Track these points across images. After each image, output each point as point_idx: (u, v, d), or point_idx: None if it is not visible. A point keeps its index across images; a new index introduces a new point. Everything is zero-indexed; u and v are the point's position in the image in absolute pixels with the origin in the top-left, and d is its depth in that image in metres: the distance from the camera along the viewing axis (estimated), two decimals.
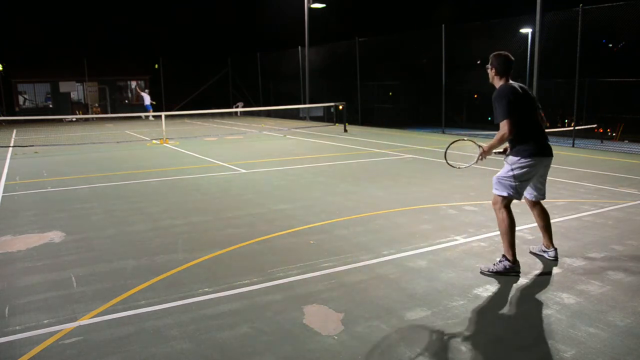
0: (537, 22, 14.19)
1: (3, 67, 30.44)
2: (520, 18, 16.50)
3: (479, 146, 4.37)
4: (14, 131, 20.90)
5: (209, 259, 4.84)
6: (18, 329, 3.48)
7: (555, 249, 4.65)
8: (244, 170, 9.97)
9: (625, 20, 12.82)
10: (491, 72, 4.41)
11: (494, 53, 4.40)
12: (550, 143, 4.39)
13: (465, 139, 4.65)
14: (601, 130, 21.52)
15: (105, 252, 5.11)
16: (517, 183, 4.27)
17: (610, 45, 26.58)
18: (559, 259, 4.63)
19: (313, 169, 10.10)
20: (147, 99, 26.34)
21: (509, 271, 4.29)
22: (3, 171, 10.34)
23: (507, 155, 4.39)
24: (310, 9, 23.85)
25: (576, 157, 11.48)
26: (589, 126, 19.21)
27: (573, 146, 13.80)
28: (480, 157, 4.39)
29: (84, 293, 4.09)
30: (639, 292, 3.95)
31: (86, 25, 37.79)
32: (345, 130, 18.03)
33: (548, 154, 4.32)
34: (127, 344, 3.28)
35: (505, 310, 3.73)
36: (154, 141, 15.78)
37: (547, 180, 4.52)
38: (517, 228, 4.45)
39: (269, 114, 27.87)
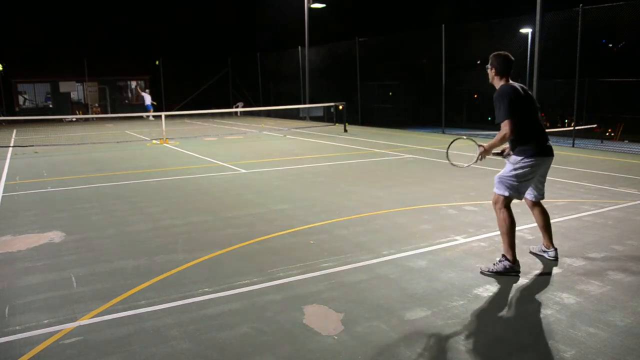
0: (537, 22, 14.19)
1: (3, 67, 30.43)
2: (520, 18, 16.51)
3: (479, 145, 4.37)
4: (14, 131, 20.90)
5: (209, 259, 4.84)
6: (18, 329, 3.48)
7: (555, 249, 4.65)
8: (244, 170, 9.97)
9: (625, 20, 12.82)
10: (491, 72, 4.40)
11: (494, 53, 4.40)
12: (550, 143, 4.40)
13: (465, 137, 4.64)
14: (602, 130, 21.53)
15: (105, 252, 5.11)
16: (518, 183, 4.27)
17: (610, 45, 26.58)
18: (559, 259, 4.63)
19: (313, 169, 10.10)
20: (148, 99, 26.35)
21: (509, 271, 4.29)
22: (3, 171, 10.35)
23: (509, 155, 4.38)
24: (310, 9, 23.85)
25: (576, 157, 11.48)
26: (589, 126, 19.22)
27: (573, 146, 13.80)
28: (479, 157, 4.38)
29: (84, 293, 4.09)
30: (639, 292, 3.95)
31: (86, 25, 37.78)
32: (345, 130, 18.03)
33: (549, 153, 4.33)
34: (127, 344, 3.28)
35: (505, 310, 3.73)
36: (154, 141, 15.78)
37: (547, 180, 4.53)
38: (517, 228, 4.45)
39: (269, 114, 27.87)
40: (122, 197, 7.70)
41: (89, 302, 3.91)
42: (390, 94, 28.06)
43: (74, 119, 27.69)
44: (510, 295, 3.98)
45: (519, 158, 4.24)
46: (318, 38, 25.64)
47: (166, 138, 15.58)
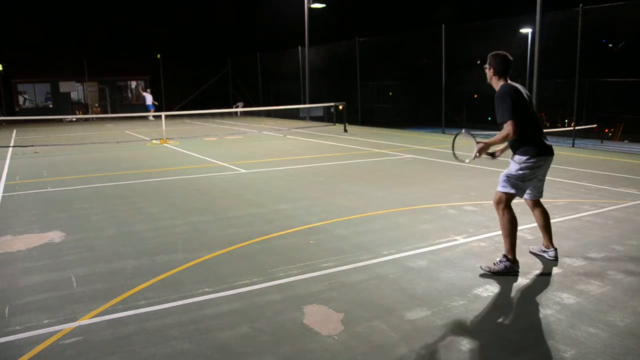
0: (537, 22, 14.19)
1: (3, 67, 30.43)
2: (520, 18, 16.50)
3: (478, 142, 4.33)
4: (14, 131, 20.90)
5: (209, 259, 4.84)
6: (18, 329, 3.48)
7: (555, 249, 4.65)
8: (244, 170, 9.97)
9: (625, 20, 12.81)
10: (489, 72, 4.39)
11: (492, 53, 4.38)
12: (550, 143, 4.40)
13: (463, 131, 4.56)
14: (606, 130, 21.53)
15: (105, 252, 5.11)
16: (522, 182, 4.28)
17: (610, 45, 26.58)
18: (559, 259, 4.63)
19: (313, 169, 10.10)
20: (149, 99, 26.35)
21: (509, 271, 4.29)
22: (3, 171, 10.35)
23: (497, 157, 4.38)
24: (310, 9, 23.85)
25: (576, 157, 11.48)
26: (589, 126, 19.22)
27: (573, 146, 13.80)
28: (477, 154, 4.33)
29: (84, 293, 4.09)
30: (639, 292, 3.95)
31: (86, 25, 37.82)
32: (345, 130, 18.03)
33: (551, 152, 4.34)
34: (127, 344, 3.28)
35: (505, 310, 3.73)
36: (154, 141, 15.78)
37: (547, 180, 4.52)
38: (518, 228, 4.45)
39: (269, 114, 27.87)
40: (122, 197, 7.70)
41: (89, 302, 3.91)
42: (390, 94, 28.06)
43: (74, 119, 27.69)
44: (510, 295, 3.98)
45: (524, 158, 4.23)
46: (318, 38, 25.64)
47: (166, 138, 15.58)
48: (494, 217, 4.44)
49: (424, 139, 15.73)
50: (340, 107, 20.47)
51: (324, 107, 24.51)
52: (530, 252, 4.83)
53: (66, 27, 36.75)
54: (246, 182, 8.77)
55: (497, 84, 4.36)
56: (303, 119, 25.72)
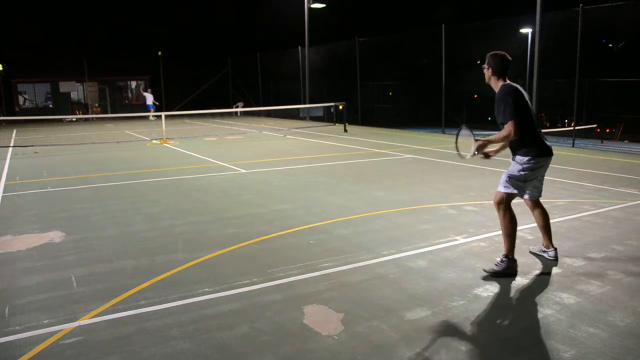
0: (537, 22, 14.19)
1: (3, 67, 30.44)
2: (520, 18, 16.50)
3: (476, 140, 4.31)
4: (14, 131, 20.90)
5: (209, 259, 4.84)
6: (18, 329, 3.48)
7: (555, 249, 4.65)
8: (244, 170, 9.97)
9: (625, 20, 12.81)
10: (488, 72, 4.37)
11: (491, 53, 4.37)
12: (550, 143, 4.40)
13: (464, 126, 4.50)
14: (606, 130, 21.51)
15: (105, 252, 5.11)
16: (524, 182, 4.28)
17: (610, 45, 26.57)
18: (559, 259, 4.63)
19: (313, 169, 10.10)
20: (150, 99, 26.35)
21: (510, 271, 4.29)
22: (3, 171, 10.35)
23: (489, 157, 4.38)
24: (310, 9, 23.85)
25: (576, 157, 11.48)
26: (589, 126, 19.21)
27: (573, 146, 13.80)
28: (475, 151, 4.30)
29: (84, 293, 4.09)
30: (639, 292, 3.95)
31: (86, 25, 37.82)
32: (345, 130, 18.03)
33: (551, 153, 4.34)
34: (127, 344, 3.28)
35: (505, 310, 3.73)
36: (154, 141, 15.78)
37: (547, 180, 4.52)
38: (518, 228, 4.45)
39: (269, 114, 27.87)
40: (122, 197, 7.70)
41: (89, 302, 3.91)
42: (390, 94, 28.04)
43: (74, 119, 27.69)
44: (510, 295, 3.99)
45: (526, 158, 4.22)
46: (318, 38, 25.63)
47: (166, 138, 15.58)
48: (494, 217, 4.44)
49: (424, 139, 15.73)
50: (340, 107, 20.47)
51: (324, 107, 24.51)
52: (530, 252, 4.83)
53: (66, 27, 36.76)
54: (246, 182, 8.77)
55: (496, 84, 4.35)
56: (303, 119, 25.72)
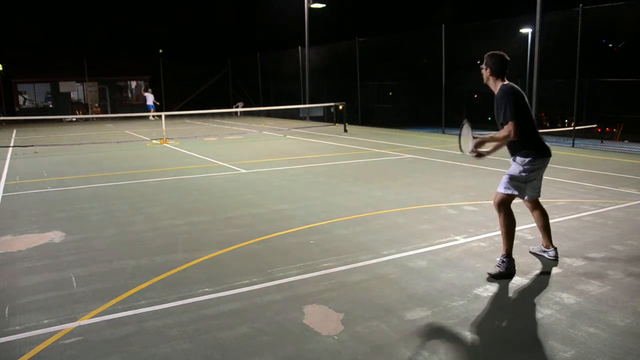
0: (537, 22, 14.19)
1: (3, 67, 30.44)
2: (520, 18, 16.50)
3: (474, 137, 4.28)
4: (14, 131, 20.90)
5: (209, 259, 4.84)
6: (18, 329, 3.48)
7: (555, 249, 4.65)
8: (244, 170, 9.97)
9: (625, 20, 12.81)
10: (486, 72, 4.34)
11: (489, 53, 4.34)
12: (550, 143, 4.39)
13: (466, 121, 4.45)
14: (606, 130, 21.50)
15: (105, 252, 5.11)
16: (525, 183, 4.28)
17: (610, 45, 26.57)
18: (559, 259, 4.63)
19: (313, 169, 10.10)
20: (150, 99, 26.35)
21: (511, 271, 4.29)
22: (3, 171, 10.35)
23: (482, 157, 4.37)
24: (310, 9, 23.85)
25: (576, 157, 11.48)
26: (589, 126, 19.21)
27: (573, 146, 13.80)
28: (473, 148, 4.27)
29: (84, 293, 4.09)
30: (639, 292, 3.95)
31: (86, 25, 37.84)
32: (345, 130, 18.03)
33: (550, 153, 4.34)
34: (127, 344, 3.28)
35: (505, 310, 3.73)
36: (154, 141, 15.78)
37: (547, 180, 4.52)
38: (517, 228, 4.45)
39: (269, 114, 27.87)
40: (122, 197, 7.70)
41: (89, 302, 3.91)
42: (390, 94, 28.04)
43: (74, 119, 27.70)
44: (510, 295, 3.98)
45: (527, 159, 4.21)
46: (318, 38, 25.64)
47: (166, 138, 15.58)
48: (494, 217, 4.44)
49: (424, 139, 15.73)
50: (340, 107, 20.47)
51: (324, 107, 24.51)
52: (530, 252, 4.83)
53: (66, 27, 36.79)
54: (246, 182, 8.77)
55: (494, 84, 4.32)
56: (303, 119, 25.72)
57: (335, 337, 3.31)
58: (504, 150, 4.53)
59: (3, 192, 8.18)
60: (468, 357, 3.07)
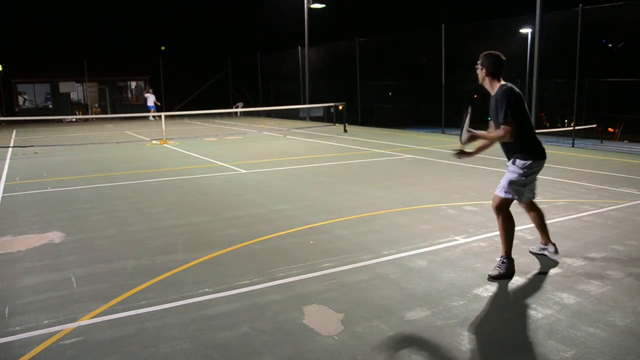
0: (537, 22, 14.19)
1: (3, 67, 30.43)
2: (520, 18, 16.50)
3: (468, 130, 4.24)
4: (14, 131, 20.91)
5: (209, 259, 4.84)
6: (18, 329, 3.48)
7: (554, 244, 4.66)
8: (244, 171, 9.97)
9: (625, 20, 12.81)
10: (481, 73, 4.28)
11: (484, 53, 4.27)
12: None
13: (469, 109, 4.38)
14: (609, 130, 21.49)
15: (105, 252, 5.11)
16: (524, 187, 4.28)
17: (610, 45, 26.57)
18: (559, 260, 4.63)
19: (313, 169, 10.10)
20: (151, 100, 26.35)
21: (511, 271, 4.29)
22: (3, 171, 10.35)
23: (467, 157, 4.36)
24: (310, 9, 23.85)
25: (576, 157, 11.48)
26: (589, 126, 19.21)
27: (573, 146, 13.79)
28: (466, 140, 4.23)
29: (84, 293, 4.09)
30: (639, 292, 3.95)
31: (86, 25, 37.83)
32: (345, 131, 18.03)
33: (546, 156, 4.32)
34: (127, 344, 3.28)
35: (505, 310, 3.73)
36: (154, 141, 15.78)
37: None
38: (517, 228, 4.45)
39: (269, 114, 27.87)
40: (122, 197, 7.70)
41: (89, 302, 3.91)
42: (390, 94, 28.02)
43: (73, 120, 27.70)
44: (510, 295, 3.98)
45: (527, 162, 4.18)
46: (318, 38, 25.64)
47: (166, 138, 15.58)
48: (494, 217, 4.43)
49: (424, 139, 15.73)
50: (340, 107, 20.47)
51: (324, 107, 24.51)
52: (530, 252, 4.83)
53: (66, 27, 36.78)
54: (246, 182, 8.77)
55: (490, 84, 4.27)
56: (303, 119, 25.71)
57: (335, 337, 3.31)
58: (483, 150, 4.51)
59: (3, 192, 8.18)
60: (468, 357, 3.07)
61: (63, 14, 37.15)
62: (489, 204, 4.42)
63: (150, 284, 4.23)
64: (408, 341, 3.25)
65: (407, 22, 36.44)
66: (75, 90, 31.58)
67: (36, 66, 30.39)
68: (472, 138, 4.25)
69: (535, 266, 4.52)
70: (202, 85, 33.37)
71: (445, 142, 14.46)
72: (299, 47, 25.53)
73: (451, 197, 7.24)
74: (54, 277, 4.43)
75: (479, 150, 4.54)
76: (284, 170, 9.91)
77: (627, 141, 19.16)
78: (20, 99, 30.58)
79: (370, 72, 23.42)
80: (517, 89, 4.23)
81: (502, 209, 4.27)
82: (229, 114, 29.84)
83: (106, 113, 30.99)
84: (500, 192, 4.27)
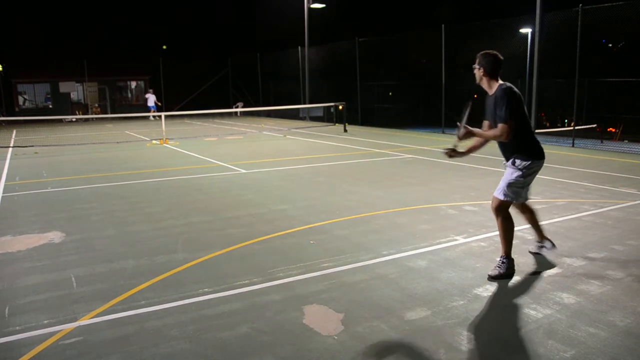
0: (537, 22, 14.19)
1: (3, 67, 30.44)
2: (520, 18, 16.51)
3: (464, 126, 4.21)
4: (14, 131, 20.91)
5: (209, 259, 4.84)
6: (18, 329, 3.48)
7: (550, 240, 4.66)
8: (244, 171, 9.97)
9: (625, 20, 12.82)
10: (479, 72, 4.25)
11: (482, 52, 4.24)
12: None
13: (470, 103, 4.35)
14: (609, 130, 21.50)
15: (105, 252, 5.11)
16: (523, 188, 4.27)
17: (610, 45, 26.58)
18: (559, 260, 4.63)
19: (313, 169, 10.10)
20: (151, 100, 26.34)
21: (511, 271, 4.29)
22: (3, 171, 10.35)
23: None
24: (310, 9, 23.85)
25: (576, 157, 11.48)
26: (588, 126, 19.21)
27: (573, 146, 13.78)
28: (461, 135, 4.22)
29: (84, 293, 4.09)
30: (639, 292, 3.95)
31: (86, 25, 37.81)
32: (345, 131, 18.03)
33: (544, 155, 4.31)
34: (127, 344, 3.28)
35: (505, 310, 3.73)
36: (154, 141, 15.78)
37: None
38: (517, 228, 4.45)
39: (269, 114, 27.87)
40: (122, 197, 7.70)
41: (89, 302, 3.91)
42: (390, 94, 28.03)
43: (73, 119, 27.70)
44: (510, 295, 3.98)
45: (527, 163, 4.16)
46: (318, 38, 25.65)
47: (166, 138, 15.58)
48: (494, 218, 4.43)
49: (424, 139, 15.73)
50: (340, 107, 20.48)
51: (324, 107, 24.51)
52: (530, 252, 4.83)
53: (66, 27, 36.76)
54: (246, 182, 8.77)
55: (488, 84, 4.24)
56: (303, 119, 25.72)
57: (335, 337, 3.31)
58: (474, 151, 4.50)
59: (3, 192, 8.18)
60: (468, 357, 3.07)
61: (63, 14, 37.16)
62: (489, 203, 4.43)
63: (150, 284, 4.23)
64: (408, 341, 3.25)
65: (407, 22, 36.44)
66: (75, 90, 31.59)
67: (36, 66, 30.40)
68: (468, 134, 4.24)
69: (535, 266, 4.52)
70: (202, 85, 33.38)
71: (445, 142, 14.45)
72: (299, 47, 25.53)
73: (451, 197, 7.24)
74: (54, 277, 4.43)
75: (471, 150, 4.47)
76: (283, 170, 9.91)
77: (627, 141, 19.16)
78: (20, 99, 30.59)
79: (370, 72, 23.44)
80: (516, 89, 4.22)
81: (501, 210, 4.26)
82: (229, 114, 29.84)
83: (106, 113, 31.00)
84: (499, 194, 4.26)
